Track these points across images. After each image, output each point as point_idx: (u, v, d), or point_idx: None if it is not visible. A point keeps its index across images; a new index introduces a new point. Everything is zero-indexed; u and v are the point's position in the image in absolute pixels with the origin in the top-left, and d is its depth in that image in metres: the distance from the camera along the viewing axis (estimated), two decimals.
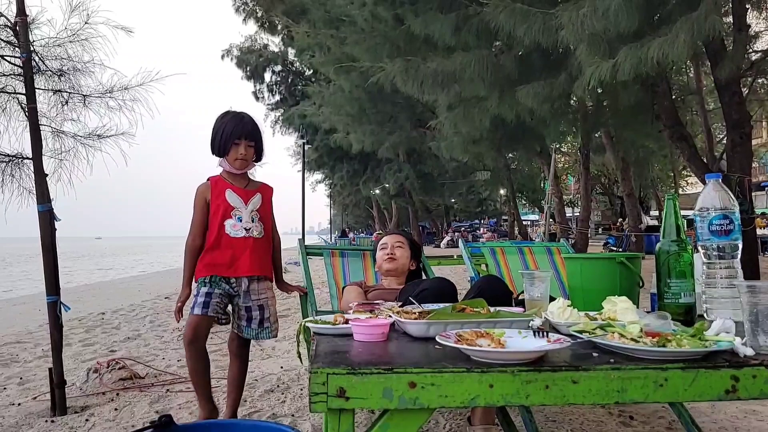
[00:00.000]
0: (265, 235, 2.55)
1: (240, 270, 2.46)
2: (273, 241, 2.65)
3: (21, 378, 3.85)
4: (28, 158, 3.07)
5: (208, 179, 2.54)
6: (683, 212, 1.73)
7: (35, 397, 3.30)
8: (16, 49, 3.05)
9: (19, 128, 3.15)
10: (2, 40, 3.08)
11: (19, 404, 3.18)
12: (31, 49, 3.03)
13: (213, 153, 2.50)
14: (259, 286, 2.55)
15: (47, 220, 2.99)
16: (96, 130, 3.37)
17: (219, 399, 2.91)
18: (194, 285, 2.49)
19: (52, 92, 3.26)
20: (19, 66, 3.04)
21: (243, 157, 2.45)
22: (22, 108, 3.09)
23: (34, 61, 3.07)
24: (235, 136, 2.43)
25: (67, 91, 3.28)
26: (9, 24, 3.04)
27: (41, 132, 3.05)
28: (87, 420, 2.84)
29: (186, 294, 2.47)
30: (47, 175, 3.04)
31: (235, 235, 2.45)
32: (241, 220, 2.47)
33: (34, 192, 3.02)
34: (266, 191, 2.61)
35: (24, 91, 3.01)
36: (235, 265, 2.46)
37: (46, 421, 2.84)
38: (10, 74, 3.12)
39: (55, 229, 3.02)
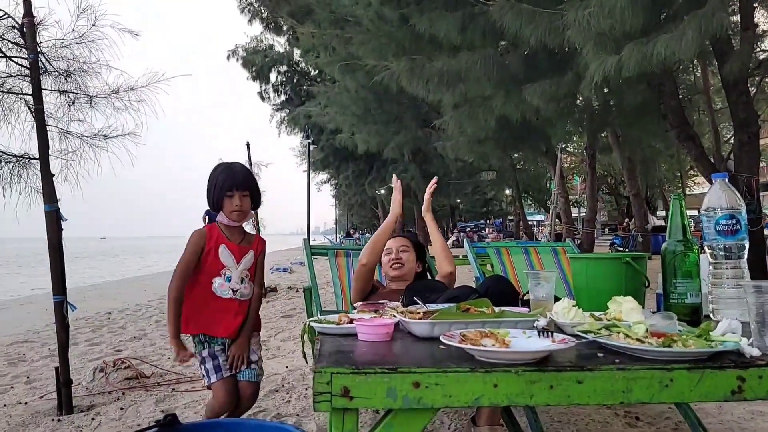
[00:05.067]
0: (253, 294, 2.43)
1: (219, 332, 2.33)
2: (253, 293, 2.45)
3: (28, 377, 3.87)
4: (35, 158, 3.09)
5: (204, 227, 2.41)
6: (691, 212, 1.72)
7: (42, 396, 3.32)
8: (24, 50, 3.07)
9: (27, 129, 3.18)
10: (10, 41, 3.10)
11: (26, 403, 3.20)
12: (38, 50, 3.05)
13: (210, 207, 2.40)
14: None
15: (54, 220, 3.01)
16: (102, 130, 3.39)
17: None
18: (187, 341, 2.36)
19: (59, 93, 3.28)
20: (26, 67, 3.06)
21: (239, 208, 2.34)
22: (29, 109, 3.12)
23: (41, 62, 3.09)
24: (226, 188, 2.32)
25: (73, 92, 3.31)
26: (16, 25, 3.06)
27: (48, 132, 3.07)
28: (93, 419, 2.86)
29: (178, 345, 2.25)
30: (54, 175, 3.06)
31: (222, 294, 2.33)
32: (230, 281, 2.34)
33: (41, 192, 3.04)
34: (259, 247, 2.47)
35: (31, 92, 3.03)
36: (214, 327, 2.33)
37: (53, 419, 2.86)
38: (17, 75, 3.15)
39: (62, 229, 3.04)
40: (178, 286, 2.28)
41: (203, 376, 2.36)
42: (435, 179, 2.83)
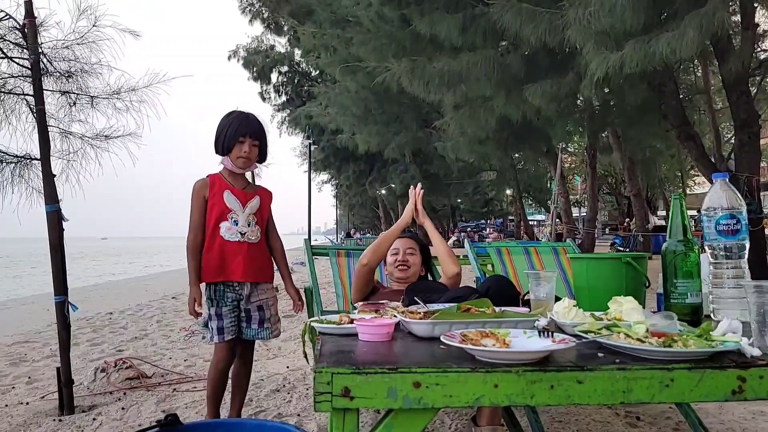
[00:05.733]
0: (261, 239, 2.51)
1: (232, 275, 2.41)
2: (275, 249, 2.61)
3: (29, 377, 3.88)
4: (36, 159, 3.09)
5: (207, 176, 2.49)
6: (691, 212, 1.72)
7: (43, 396, 3.32)
8: (25, 51, 3.07)
9: (28, 129, 3.18)
10: (11, 42, 3.10)
11: (27, 403, 3.21)
12: (40, 51, 3.05)
13: (217, 152, 2.48)
14: (259, 289, 2.52)
15: (55, 220, 3.01)
16: (103, 131, 3.39)
17: (225, 398, 2.92)
18: (203, 289, 2.46)
19: (60, 93, 3.28)
20: (27, 68, 3.07)
21: (246, 155, 2.42)
22: (30, 109, 3.12)
23: (43, 63, 3.09)
24: (239, 133, 2.41)
25: (75, 93, 3.31)
26: (18, 26, 3.06)
27: (49, 133, 3.07)
28: (94, 419, 2.86)
29: (196, 292, 2.41)
30: (55, 175, 3.06)
31: (230, 238, 2.40)
32: (237, 224, 2.41)
33: (43, 192, 3.04)
34: (265, 196, 2.56)
35: (32, 93, 3.03)
36: (227, 270, 2.40)
37: (54, 420, 2.86)
38: (19, 76, 3.15)
39: (63, 230, 3.04)
40: (194, 236, 2.43)
41: (210, 330, 2.46)
42: (419, 186, 2.74)
